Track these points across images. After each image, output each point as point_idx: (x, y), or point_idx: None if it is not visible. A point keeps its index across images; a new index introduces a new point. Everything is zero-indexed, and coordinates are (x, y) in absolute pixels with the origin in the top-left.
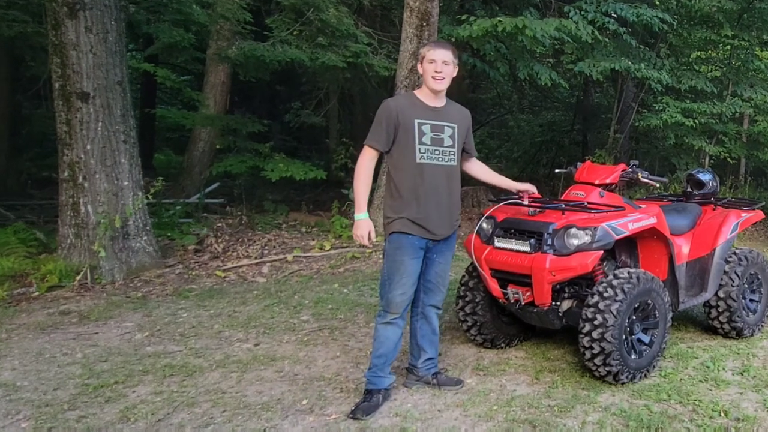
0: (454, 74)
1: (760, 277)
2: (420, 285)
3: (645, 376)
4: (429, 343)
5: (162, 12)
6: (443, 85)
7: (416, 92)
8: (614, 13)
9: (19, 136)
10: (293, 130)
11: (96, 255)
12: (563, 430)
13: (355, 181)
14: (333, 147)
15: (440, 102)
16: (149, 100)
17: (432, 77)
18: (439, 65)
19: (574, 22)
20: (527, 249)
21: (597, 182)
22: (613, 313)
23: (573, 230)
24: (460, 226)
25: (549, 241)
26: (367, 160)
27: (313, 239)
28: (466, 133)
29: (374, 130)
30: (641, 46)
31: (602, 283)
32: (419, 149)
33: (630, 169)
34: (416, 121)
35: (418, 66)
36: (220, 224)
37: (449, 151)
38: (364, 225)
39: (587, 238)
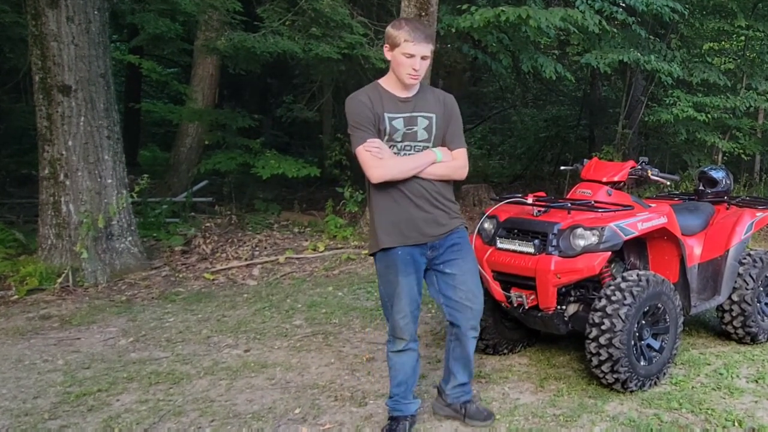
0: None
1: None
2: (442, 305)
3: (655, 383)
4: (461, 368)
5: (147, 1)
6: (418, 82)
7: (381, 82)
8: (623, 2)
9: None
10: (285, 125)
11: (78, 256)
12: None
13: (395, 167)
14: (327, 143)
15: (411, 91)
16: (134, 94)
17: (408, 74)
18: (418, 62)
19: (581, 11)
20: (531, 250)
21: (604, 180)
22: (621, 318)
23: (579, 230)
24: (466, 228)
25: (554, 242)
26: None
27: (306, 240)
28: (447, 123)
29: (356, 134)
30: (651, 36)
31: (610, 285)
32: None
33: (639, 167)
34: (386, 115)
35: (386, 50)
36: (208, 224)
37: (423, 146)
38: None
39: (594, 239)
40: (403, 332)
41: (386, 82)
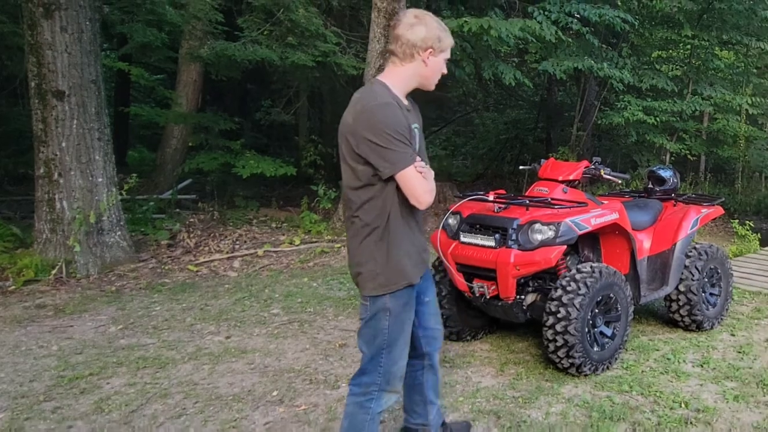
0: None
1: (719, 271)
2: (420, 337)
3: (607, 368)
4: (434, 392)
5: (136, 12)
6: None
7: (391, 86)
8: (577, 14)
9: None
10: (264, 127)
11: (71, 250)
12: (527, 422)
13: (434, 190)
14: (302, 144)
15: (406, 98)
16: (123, 98)
17: (441, 75)
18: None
19: (538, 22)
20: (492, 244)
21: (560, 179)
22: (576, 307)
23: (537, 226)
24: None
25: (513, 236)
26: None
27: (283, 234)
28: (421, 134)
29: (402, 151)
30: (603, 45)
31: (565, 277)
32: None
33: (593, 166)
34: (412, 126)
35: (426, 54)
36: (192, 220)
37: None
38: None
39: (551, 234)
40: (401, 382)
41: (397, 87)
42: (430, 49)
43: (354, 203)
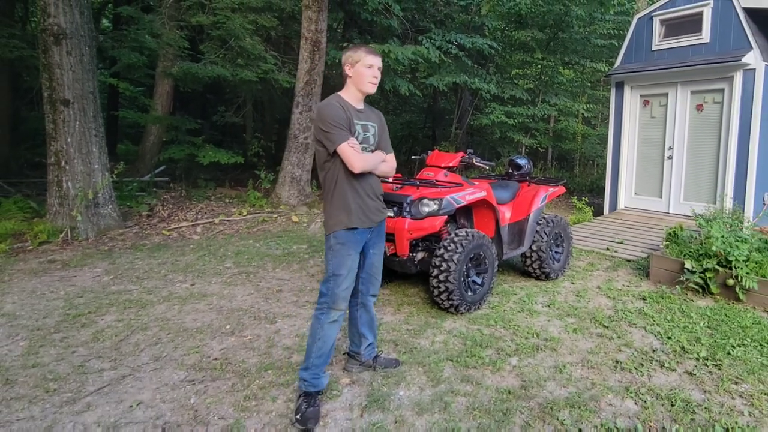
0: None
1: (562, 235)
2: (359, 278)
3: (478, 308)
4: (369, 330)
5: (123, 40)
6: (375, 88)
7: (343, 95)
8: (455, 41)
9: (18, 132)
10: (219, 127)
11: (74, 219)
12: (418, 348)
13: (369, 161)
14: (248, 139)
15: (361, 104)
16: (113, 105)
17: (370, 82)
18: (376, 71)
19: (426, 48)
20: (392, 214)
21: (443, 165)
22: (454, 262)
23: (425, 201)
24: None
25: (408, 209)
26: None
27: (234, 207)
28: (382, 133)
29: (338, 133)
30: (475, 65)
31: (446, 239)
32: None
33: (467, 156)
34: (354, 120)
35: (347, 68)
36: (165, 196)
37: (371, 149)
38: None
39: (435, 207)
40: (344, 302)
41: (346, 96)
42: (348, 64)
43: (321, 174)
